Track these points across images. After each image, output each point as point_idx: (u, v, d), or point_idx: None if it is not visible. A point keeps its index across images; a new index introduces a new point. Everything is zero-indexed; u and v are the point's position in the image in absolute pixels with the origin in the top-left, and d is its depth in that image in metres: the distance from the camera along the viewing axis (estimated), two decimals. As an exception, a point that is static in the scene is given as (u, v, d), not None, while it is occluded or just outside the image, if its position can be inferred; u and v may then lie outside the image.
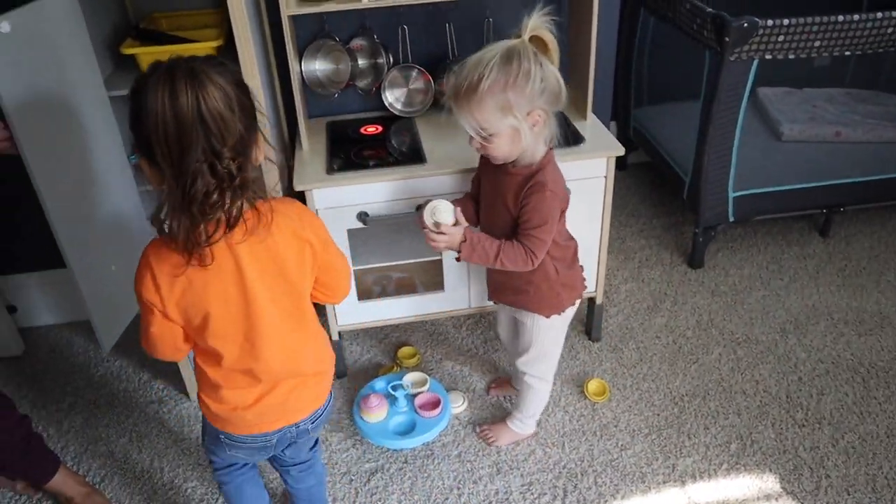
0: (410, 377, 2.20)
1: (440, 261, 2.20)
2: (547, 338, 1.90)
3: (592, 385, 2.23)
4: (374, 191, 2.04)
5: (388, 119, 2.34)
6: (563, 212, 1.71)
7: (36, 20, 1.51)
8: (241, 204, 1.16)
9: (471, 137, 1.61)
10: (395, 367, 2.35)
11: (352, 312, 2.27)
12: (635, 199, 3.18)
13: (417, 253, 2.23)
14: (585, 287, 1.94)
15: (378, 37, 2.28)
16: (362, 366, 2.40)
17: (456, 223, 1.65)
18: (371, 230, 2.09)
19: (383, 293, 2.28)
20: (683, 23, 2.56)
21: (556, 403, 2.19)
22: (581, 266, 1.91)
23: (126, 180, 1.87)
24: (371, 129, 2.29)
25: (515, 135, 1.56)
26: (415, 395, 2.15)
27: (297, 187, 2.00)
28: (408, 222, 2.09)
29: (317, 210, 2.05)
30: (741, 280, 2.68)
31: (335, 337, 2.29)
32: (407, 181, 2.04)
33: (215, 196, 1.10)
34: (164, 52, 1.84)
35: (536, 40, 1.53)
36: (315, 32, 2.23)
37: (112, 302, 1.78)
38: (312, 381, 1.45)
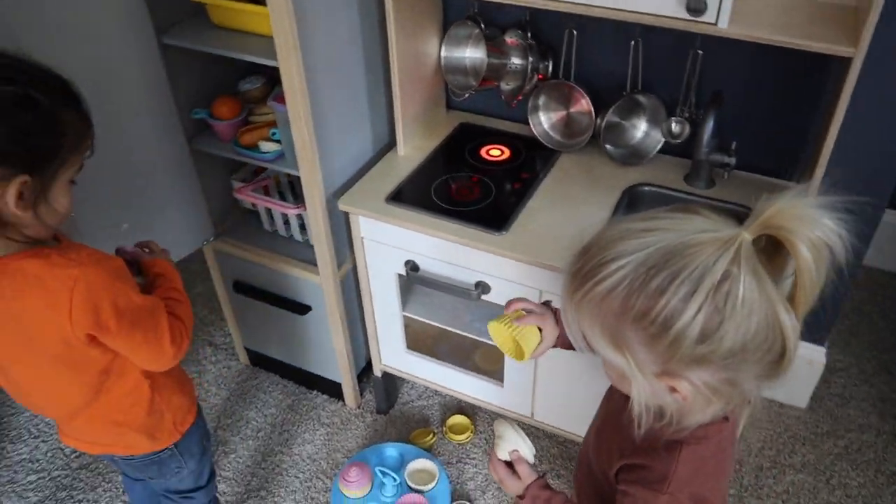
0: (418, 465, 1.78)
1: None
2: None
3: None
4: (427, 243, 1.56)
5: (529, 143, 1.76)
6: None
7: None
8: None
9: None
10: (432, 436, 1.92)
11: (397, 357, 1.87)
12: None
13: (475, 329, 1.72)
14: None
15: (535, 36, 1.66)
16: (409, 412, 2.02)
17: (517, 463, 1.03)
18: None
19: (434, 353, 1.83)
20: None
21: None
22: None
23: (170, 136, 1.66)
24: (494, 153, 1.74)
25: (625, 377, 0.80)
26: (410, 490, 1.73)
27: (341, 206, 1.60)
28: (465, 296, 1.59)
29: (361, 238, 1.65)
30: None
31: (377, 374, 1.93)
32: (465, 247, 1.51)
33: None
34: (222, 6, 1.53)
35: (777, 247, 0.72)
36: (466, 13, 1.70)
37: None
38: (102, 429, 1.26)
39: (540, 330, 1.06)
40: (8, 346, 1.11)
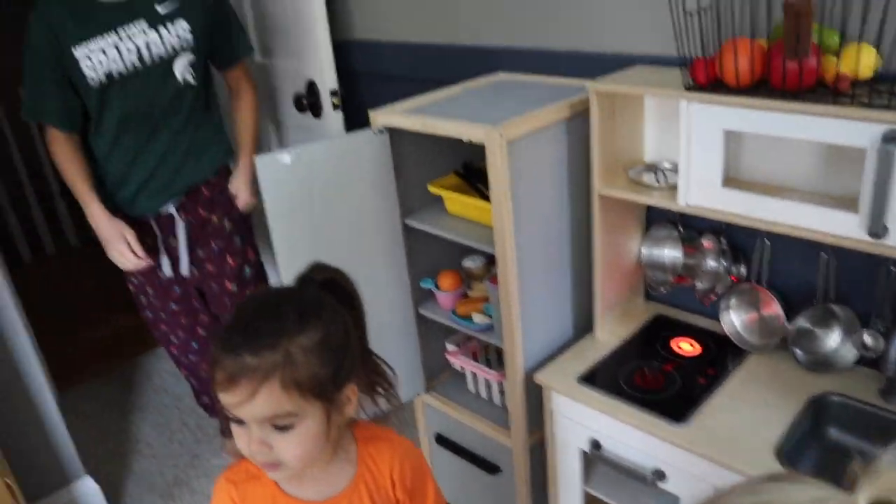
0: None
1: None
2: None
3: None
4: (611, 424, 1.68)
5: (719, 340, 1.85)
6: None
7: (325, 155, 1.73)
8: None
9: None
10: None
11: None
12: None
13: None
14: None
15: (730, 241, 1.80)
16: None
17: None
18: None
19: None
20: None
21: None
22: None
23: (402, 301, 1.98)
24: (685, 346, 1.85)
25: None
26: None
27: (536, 380, 1.79)
28: (641, 481, 1.66)
29: (552, 412, 1.81)
30: None
31: (555, 542, 2.00)
32: (645, 433, 1.61)
33: None
34: (455, 199, 1.86)
35: None
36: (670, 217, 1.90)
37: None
38: None
39: None
40: None
